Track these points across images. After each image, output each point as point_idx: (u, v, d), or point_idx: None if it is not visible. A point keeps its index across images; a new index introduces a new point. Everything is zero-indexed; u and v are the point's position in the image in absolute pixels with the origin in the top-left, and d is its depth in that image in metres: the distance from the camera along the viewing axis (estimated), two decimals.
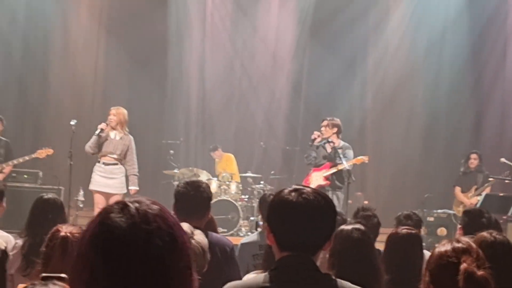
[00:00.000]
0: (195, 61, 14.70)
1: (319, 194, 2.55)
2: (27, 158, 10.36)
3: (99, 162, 9.67)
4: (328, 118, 10.50)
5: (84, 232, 1.48)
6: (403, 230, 4.31)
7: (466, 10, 13.95)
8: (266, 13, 14.72)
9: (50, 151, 10.40)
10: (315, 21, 14.43)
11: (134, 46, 14.26)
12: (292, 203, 2.50)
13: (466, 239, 2.69)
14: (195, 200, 4.36)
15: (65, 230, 3.49)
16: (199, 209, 4.37)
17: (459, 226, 5.75)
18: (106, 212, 1.46)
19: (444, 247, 2.61)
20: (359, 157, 10.30)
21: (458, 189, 11.51)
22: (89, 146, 9.62)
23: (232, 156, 13.01)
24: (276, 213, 2.56)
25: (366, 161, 10.51)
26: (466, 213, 5.42)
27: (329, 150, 10.19)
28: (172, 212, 1.60)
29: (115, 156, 9.62)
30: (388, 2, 14.46)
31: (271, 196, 5.77)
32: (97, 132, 9.59)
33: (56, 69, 13.98)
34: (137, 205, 1.45)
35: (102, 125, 9.63)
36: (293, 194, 2.53)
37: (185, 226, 3.72)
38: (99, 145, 9.60)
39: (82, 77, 14.20)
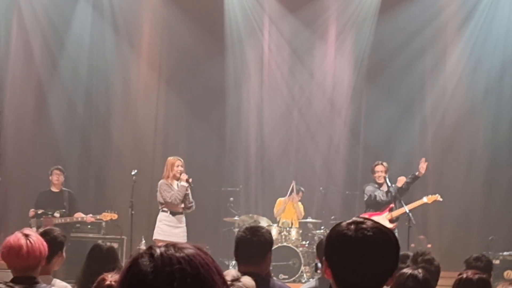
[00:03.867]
0: (253, 108, 14.80)
1: (380, 229, 2.38)
2: (92, 219, 10.58)
3: (165, 211, 9.75)
4: (385, 164, 10.58)
5: (119, 277, 1.55)
6: (472, 274, 4.22)
7: None
8: (322, 59, 14.77)
9: (115, 216, 10.55)
10: (372, 65, 14.39)
11: (192, 95, 14.47)
12: (350, 238, 2.34)
13: None
14: (253, 245, 4.36)
15: (110, 278, 3.52)
16: (257, 254, 4.37)
17: None
18: (135, 257, 1.53)
19: None
20: (430, 196, 10.28)
21: None
22: (178, 198, 9.65)
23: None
24: (333, 248, 2.42)
25: (440, 199, 10.49)
26: None
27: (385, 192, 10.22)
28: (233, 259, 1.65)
29: (183, 205, 9.72)
30: (445, 43, 14.32)
31: None
32: (185, 184, 9.69)
33: (117, 120, 14.26)
34: (163, 249, 1.51)
35: (186, 176, 9.74)
36: (351, 227, 2.37)
37: (232, 272, 3.73)
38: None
39: (143, 128, 14.41)
